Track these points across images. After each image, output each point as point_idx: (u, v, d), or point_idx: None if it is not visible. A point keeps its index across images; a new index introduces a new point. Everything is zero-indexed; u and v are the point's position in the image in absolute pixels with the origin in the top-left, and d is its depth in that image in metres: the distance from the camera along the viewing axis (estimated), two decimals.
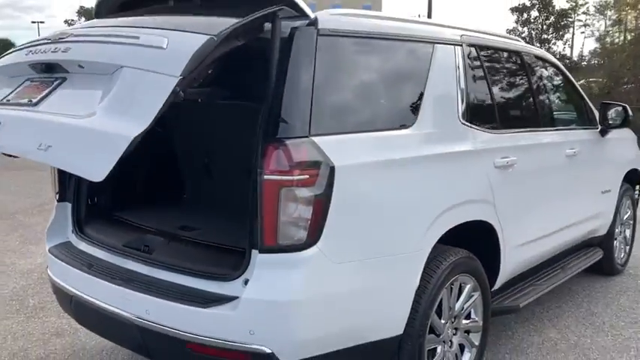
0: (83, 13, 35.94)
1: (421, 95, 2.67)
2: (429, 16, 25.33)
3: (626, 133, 5.23)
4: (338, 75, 2.36)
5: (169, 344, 2.25)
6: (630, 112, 4.28)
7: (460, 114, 2.86)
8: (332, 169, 2.11)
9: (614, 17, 24.30)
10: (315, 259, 2.10)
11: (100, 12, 2.87)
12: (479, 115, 3.03)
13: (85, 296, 2.55)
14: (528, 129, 3.49)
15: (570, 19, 24.36)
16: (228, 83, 2.79)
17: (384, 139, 2.44)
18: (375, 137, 2.39)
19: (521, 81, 3.62)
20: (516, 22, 25.54)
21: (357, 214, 2.25)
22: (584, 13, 25.60)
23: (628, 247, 5.21)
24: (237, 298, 2.11)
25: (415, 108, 2.63)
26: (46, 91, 2.25)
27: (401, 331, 2.46)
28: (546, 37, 24.83)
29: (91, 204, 2.97)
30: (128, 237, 2.70)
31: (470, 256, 2.87)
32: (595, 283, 4.75)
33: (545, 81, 3.95)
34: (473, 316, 3.01)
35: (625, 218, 5.09)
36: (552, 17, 24.43)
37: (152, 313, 2.27)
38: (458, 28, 3.15)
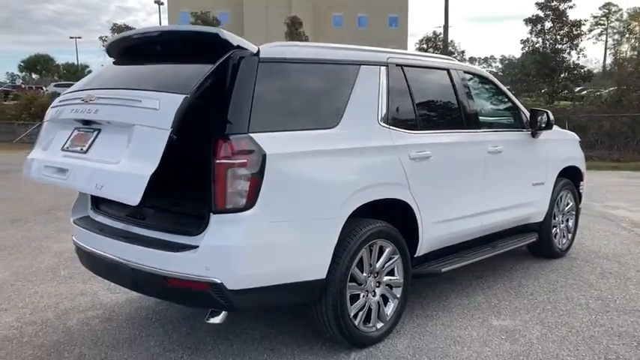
0: (116, 29, 37.64)
1: (345, 104, 3.58)
2: (446, 29, 26.24)
3: (565, 136, 6.06)
4: (274, 89, 3.29)
5: (153, 280, 3.19)
6: (552, 117, 5.10)
7: (379, 118, 3.76)
8: (264, 156, 3.04)
9: (624, 28, 24.70)
10: (251, 218, 3.03)
11: (110, 52, 3.90)
12: (398, 119, 3.91)
13: (97, 251, 3.53)
14: (447, 130, 4.35)
15: (583, 30, 24.85)
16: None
17: (311, 136, 3.36)
18: (303, 134, 3.32)
19: (446, 91, 4.49)
20: (530, 33, 26.05)
21: (285, 188, 3.17)
22: (599, 24, 26.08)
23: (570, 235, 6.00)
24: (198, 246, 3.05)
25: (339, 114, 3.54)
26: (90, 141, 3.32)
27: (324, 276, 3.36)
28: (560, 47, 25.28)
29: None
30: (129, 210, 3.67)
31: (388, 225, 3.75)
32: (535, 264, 5.56)
33: (474, 91, 4.79)
34: (395, 274, 3.89)
35: (566, 209, 5.88)
36: (566, 27, 24.99)
37: (142, 258, 3.22)
38: (386, 52, 4.06)
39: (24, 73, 77.53)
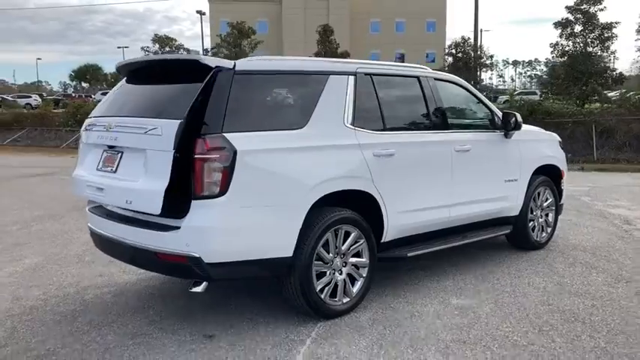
0: (157, 40, 39.10)
1: (313, 108, 4.19)
2: (475, 34, 26.31)
3: (544, 136, 6.51)
4: (247, 96, 3.93)
5: (147, 255, 3.86)
6: (520, 119, 5.58)
7: (346, 120, 4.35)
8: (234, 152, 3.68)
9: None
10: (223, 204, 3.67)
11: (120, 72, 4.63)
12: (364, 120, 4.48)
13: (105, 233, 4.23)
14: (413, 131, 4.91)
15: (614, 33, 24.60)
16: None
17: (279, 135, 3.97)
18: (272, 134, 3.94)
19: (414, 96, 5.04)
20: (560, 37, 25.99)
21: (254, 179, 3.78)
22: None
23: (550, 229, 6.43)
24: (180, 227, 3.70)
25: (307, 116, 4.15)
26: (117, 162, 4.10)
27: (290, 254, 3.96)
28: (590, 51, 25.15)
29: None
30: None
31: (353, 213, 4.33)
32: (512, 255, 6.01)
33: (444, 96, 5.30)
34: (362, 256, 4.46)
35: (545, 205, 6.32)
36: (597, 30, 24.86)
37: (138, 238, 3.89)
38: (355, 63, 4.66)
39: (74, 82, 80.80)
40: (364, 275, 4.48)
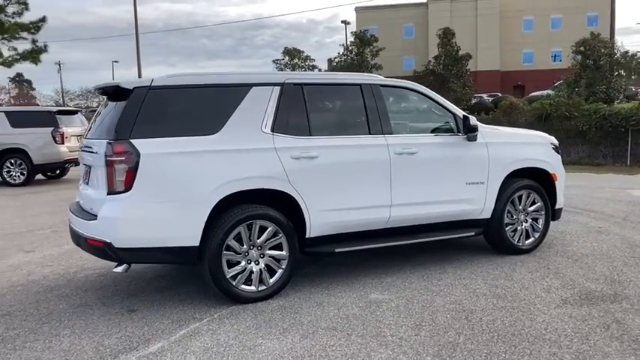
0: (286, 52, 41.11)
1: (228, 117, 4.76)
2: (612, 31, 23.88)
3: (528, 139, 6.37)
4: (161, 108, 4.61)
5: (83, 240, 4.72)
6: (472, 122, 5.59)
7: (263, 126, 4.85)
8: (139, 155, 4.39)
9: None
10: (128, 198, 4.40)
11: (97, 91, 5.55)
12: (286, 126, 4.93)
13: (71, 225, 5.15)
14: (344, 135, 5.21)
15: None
16: None
17: (188, 140, 4.60)
18: (181, 139, 4.58)
19: (352, 103, 5.35)
20: None
21: (158, 177, 4.46)
22: None
23: (538, 234, 6.25)
24: (97, 216, 4.50)
25: (220, 124, 4.72)
26: (89, 176, 5.01)
27: (197, 244, 4.57)
28: None
29: None
30: None
31: (269, 209, 4.81)
32: (497, 259, 5.95)
33: (391, 103, 5.53)
34: (282, 249, 4.92)
35: (531, 210, 6.18)
36: None
37: (80, 227, 4.76)
38: (285, 75, 5.14)
39: None
40: (283, 267, 4.93)
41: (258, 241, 4.83)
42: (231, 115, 4.80)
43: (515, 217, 6.10)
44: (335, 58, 36.75)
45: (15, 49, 35.59)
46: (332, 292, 5.05)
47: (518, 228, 6.13)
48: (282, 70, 41.88)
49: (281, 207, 4.92)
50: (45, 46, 35.47)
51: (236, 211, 4.71)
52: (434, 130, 5.85)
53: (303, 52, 41.75)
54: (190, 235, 4.58)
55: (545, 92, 30.17)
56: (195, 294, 5.04)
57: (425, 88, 5.84)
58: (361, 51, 36.40)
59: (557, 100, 20.82)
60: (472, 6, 64.62)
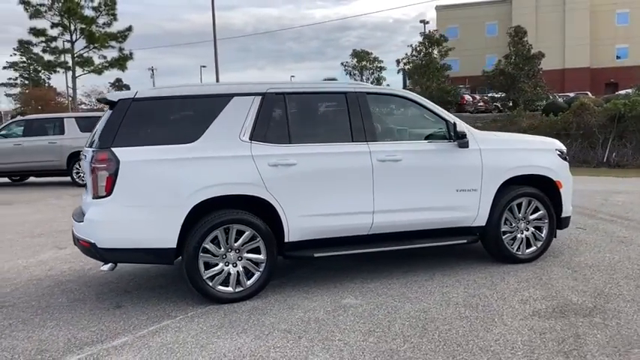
0: (354, 54, 41.11)
1: (207, 126, 5.02)
2: None
3: (528, 145, 6.21)
4: (143, 118, 4.94)
5: (77, 241, 5.13)
6: (458, 129, 5.52)
7: (242, 135, 5.07)
8: (118, 162, 4.74)
9: None
10: (108, 203, 4.76)
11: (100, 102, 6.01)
12: (264, 135, 5.12)
13: (73, 228, 5.61)
14: (325, 143, 5.31)
15: None
16: None
17: (167, 149, 4.89)
18: (161, 147, 4.88)
19: (335, 112, 5.46)
20: None
21: (137, 183, 4.79)
22: None
23: (541, 243, 6.07)
24: (83, 220, 4.90)
25: (200, 133, 4.99)
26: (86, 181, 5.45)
27: (174, 245, 4.86)
28: None
29: None
30: None
31: (246, 214, 5.03)
32: (492, 268, 5.85)
33: (377, 110, 5.56)
34: (260, 253, 5.12)
35: (533, 218, 6.01)
36: None
37: (76, 229, 5.18)
38: (267, 84, 5.33)
39: None
40: (261, 270, 5.13)
41: (236, 244, 5.05)
42: (210, 124, 5.05)
43: (514, 225, 5.96)
44: (402, 59, 36.45)
45: (104, 57, 38.23)
46: (309, 295, 5.18)
47: (518, 236, 5.99)
48: (350, 73, 42.16)
49: (260, 212, 5.12)
50: (130, 53, 37.96)
51: (213, 215, 4.96)
52: (428, 137, 5.84)
53: (371, 53, 41.79)
54: (167, 238, 4.87)
55: (625, 92, 28.46)
56: (182, 293, 5.33)
57: (416, 95, 5.85)
58: (429, 51, 35.89)
59: (634, 99, 19.62)
60: (560, 0, 61.88)
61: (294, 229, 5.19)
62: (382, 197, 5.43)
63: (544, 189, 6.06)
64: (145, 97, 5.02)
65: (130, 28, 37.00)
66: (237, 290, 5.07)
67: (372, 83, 41.83)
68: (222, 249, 5.02)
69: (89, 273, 6.24)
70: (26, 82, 61.95)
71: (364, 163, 5.37)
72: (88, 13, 35.95)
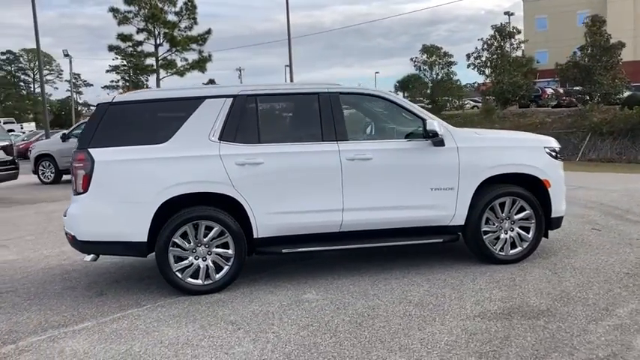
0: (423, 50, 40.13)
1: (178, 127, 5.32)
2: None
3: (512, 143, 6.06)
4: (119, 121, 5.32)
5: (66, 234, 5.61)
6: (431, 127, 5.46)
7: (211, 135, 5.33)
8: (93, 162, 5.15)
9: None
10: (85, 199, 5.18)
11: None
12: (233, 135, 5.35)
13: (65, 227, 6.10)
14: (293, 143, 5.45)
15: None
16: None
17: (139, 149, 5.24)
18: (133, 148, 5.24)
19: (306, 112, 5.58)
20: None
21: (110, 181, 5.17)
22: None
23: (527, 244, 5.89)
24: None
25: (170, 134, 5.30)
26: None
27: (145, 239, 5.21)
28: None
29: None
30: None
31: (214, 210, 5.29)
32: (471, 268, 5.77)
33: (348, 110, 5.63)
34: (229, 248, 5.37)
35: (518, 218, 5.85)
36: None
37: (64, 224, 5.67)
38: (239, 87, 5.57)
39: (398, 92, 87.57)
40: (230, 264, 5.38)
41: (205, 239, 5.33)
42: (181, 125, 5.36)
43: (497, 224, 5.84)
44: (473, 53, 35.33)
45: (186, 60, 39.98)
46: (276, 290, 5.37)
47: (502, 236, 5.86)
48: (420, 68, 41.35)
49: (230, 209, 5.37)
50: (209, 55, 39.46)
51: (182, 212, 5.27)
52: (408, 136, 5.84)
53: (441, 48, 40.88)
54: (138, 232, 5.22)
55: None
56: (164, 285, 5.67)
57: (391, 94, 5.88)
58: (501, 44, 34.58)
59: None
60: None
61: (262, 226, 5.40)
62: (352, 195, 5.51)
63: (532, 188, 5.88)
64: (122, 101, 5.41)
65: (209, 31, 38.47)
66: (206, 283, 5.35)
67: (441, 78, 41.05)
68: (192, 244, 5.31)
69: (95, 264, 6.72)
70: (127, 84, 65.67)
71: (332, 161, 5.48)
72: (171, 18, 37.77)
